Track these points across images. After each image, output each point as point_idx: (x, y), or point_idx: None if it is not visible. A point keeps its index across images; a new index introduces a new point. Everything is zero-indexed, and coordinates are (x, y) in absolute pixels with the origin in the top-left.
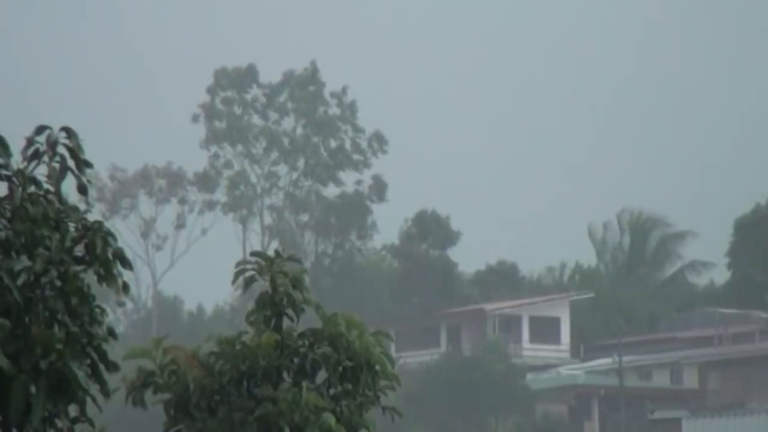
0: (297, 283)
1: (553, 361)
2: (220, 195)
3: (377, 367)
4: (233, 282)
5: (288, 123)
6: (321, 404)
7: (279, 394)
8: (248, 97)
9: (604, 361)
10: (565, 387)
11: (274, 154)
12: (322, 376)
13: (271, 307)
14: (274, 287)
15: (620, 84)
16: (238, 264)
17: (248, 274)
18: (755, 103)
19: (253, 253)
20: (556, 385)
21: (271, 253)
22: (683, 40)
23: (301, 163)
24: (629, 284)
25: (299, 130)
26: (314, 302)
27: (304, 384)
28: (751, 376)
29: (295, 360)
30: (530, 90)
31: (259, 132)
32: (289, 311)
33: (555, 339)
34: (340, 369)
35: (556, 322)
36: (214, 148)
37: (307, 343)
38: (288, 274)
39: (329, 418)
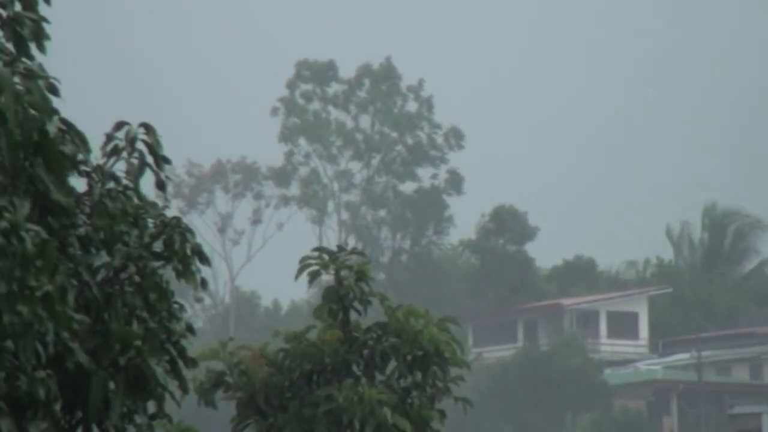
0: (362, 275)
1: (631, 356)
2: (296, 190)
3: (446, 355)
4: (297, 277)
5: (365, 119)
6: (383, 399)
7: (342, 391)
8: (330, 91)
9: (682, 357)
10: (643, 382)
11: (350, 152)
12: (392, 366)
13: (337, 300)
14: (339, 281)
15: (697, 81)
16: (302, 259)
17: (312, 268)
18: None
19: (317, 249)
20: (634, 380)
21: (337, 247)
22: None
23: (376, 160)
24: (708, 279)
25: (377, 127)
26: (379, 294)
27: (363, 380)
28: None
29: (364, 352)
30: (610, 86)
31: (335, 129)
32: (356, 304)
33: (633, 334)
34: (409, 359)
35: (634, 317)
36: (290, 144)
37: (374, 335)
38: (353, 268)
39: (387, 413)
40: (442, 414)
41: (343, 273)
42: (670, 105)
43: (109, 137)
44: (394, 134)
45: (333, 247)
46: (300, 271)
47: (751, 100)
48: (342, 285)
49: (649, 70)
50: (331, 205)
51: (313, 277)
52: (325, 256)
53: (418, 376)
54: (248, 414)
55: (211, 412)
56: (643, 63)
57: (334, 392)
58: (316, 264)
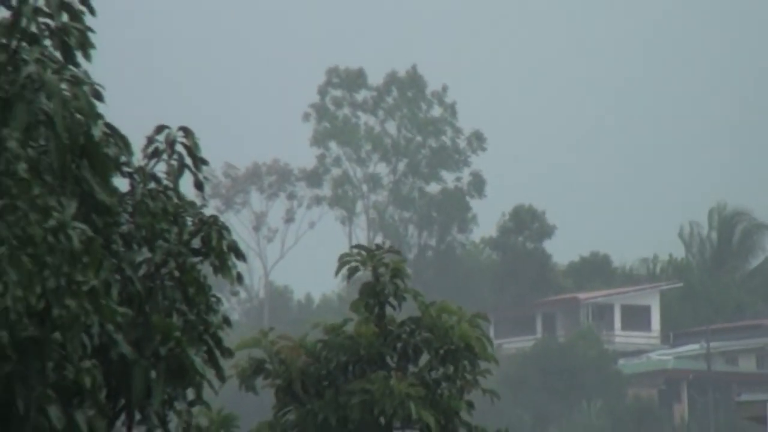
0: (397, 273)
1: (644, 347)
2: (327, 191)
3: (476, 350)
4: (337, 272)
5: (392, 124)
6: (412, 393)
7: (374, 383)
8: (359, 97)
9: (692, 347)
10: (655, 372)
11: (378, 155)
12: (424, 359)
13: (374, 295)
14: (376, 277)
15: (711, 83)
16: (342, 256)
17: (351, 265)
18: None
19: (356, 246)
20: (646, 370)
21: (373, 245)
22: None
23: (403, 163)
24: (716, 275)
25: (403, 131)
26: (413, 291)
27: (395, 373)
28: None
29: (398, 345)
30: (623, 89)
31: (364, 134)
32: (391, 299)
33: (645, 326)
34: (441, 353)
35: (646, 310)
36: (322, 147)
37: (408, 329)
38: (389, 265)
39: (412, 407)
40: (470, 405)
41: (380, 270)
42: (682, 110)
43: (150, 140)
44: (420, 138)
45: (362, 245)
46: (340, 267)
47: (763, 101)
48: (378, 281)
49: (661, 73)
50: (360, 205)
51: (352, 272)
52: (364, 254)
53: (449, 369)
54: (287, 400)
55: (249, 398)
56: (658, 65)
57: (367, 384)
58: (355, 261)
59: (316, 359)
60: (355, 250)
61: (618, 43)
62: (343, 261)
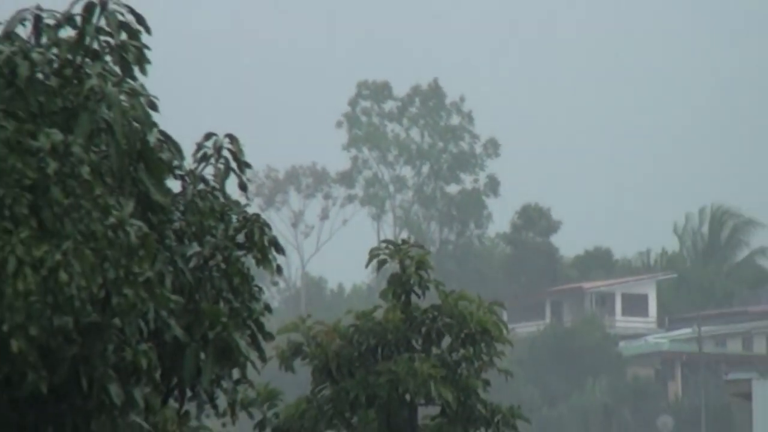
0: (421, 265)
1: (642, 331)
2: (358, 191)
3: (492, 333)
4: (367, 264)
5: (416, 131)
6: (433, 373)
7: (399, 365)
8: (385, 108)
9: (685, 331)
10: (651, 353)
11: (404, 159)
12: (446, 342)
13: (400, 285)
14: (402, 269)
15: (709, 91)
16: (372, 250)
17: (380, 257)
18: None
19: (385, 241)
20: (644, 351)
21: (399, 240)
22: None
23: (426, 166)
24: (707, 266)
25: (425, 138)
26: (435, 281)
27: (419, 355)
28: None
29: (422, 330)
30: (622, 97)
31: (392, 140)
32: (416, 289)
33: (643, 312)
34: (461, 336)
35: (644, 298)
36: (353, 151)
37: (431, 316)
38: (414, 258)
39: (433, 386)
40: (487, 383)
41: (406, 262)
42: (675, 119)
43: (200, 146)
44: (441, 144)
45: (390, 240)
46: (370, 259)
47: (754, 106)
48: (405, 272)
49: (660, 76)
50: (387, 204)
51: (381, 264)
52: (391, 248)
53: (468, 351)
54: (322, 379)
55: (288, 378)
56: (654, 67)
57: (393, 366)
58: (384, 254)
59: (348, 342)
60: (384, 245)
61: (616, 46)
62: (373, 254)
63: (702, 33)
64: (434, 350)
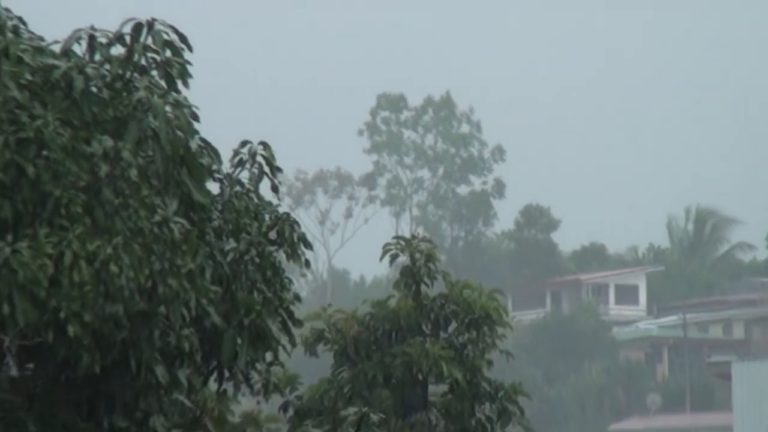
0: (430, 257)
1: (633, 318)
2: (379, 192)
3: (494, 317)
4: (381, 258)
5: (430, 138)
6: (443, 354)
7: (413, 347)
8: (402, 117)
9: (672, 318)
10: (642, 338)
11: (420, 163)
12: (453, 326)
13: (411, 276)
14: (412, 261)
15: (694, 91)
16: (385, 245)
17: (392, 252)
18: None
19: (396, 237)
20: (635, 337)
21: (410, 236)
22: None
23: (440, 170)
24: (691, 260)
25: (439, 144)
26: (443, 272)
27: (430, 339)
28: None
29: (431, 316)
30: (620, 107)
31: (411, 146)
32: (425, 279)
33: (634, 302)
34: (467, 321)
35: (635, 289)
36: (375, 156)
37: (439, 303)
38: (423, 252)
39: (443, 365)
40: (490, 363)
41: (416, 256)
42: (664, 123)
43: (236, 152)
44: (452, 150)
45: (401, 236)
46: (384, 253)
47: (741, 111)
48: (415, 265)
49: (656, 80)
50: (406, 204)
51: (393, 258)
52: (402, 243)
53: (473, 334)
54: (342, 362)
55: (313, 360)
56: (653, 75)
57: (407, 348)
58: (396, 248)
59: (365, 328)
60: (395, 240)
61: (612, 50)
62: (385, 249)
63: (702, 32)
64: (442, 334)
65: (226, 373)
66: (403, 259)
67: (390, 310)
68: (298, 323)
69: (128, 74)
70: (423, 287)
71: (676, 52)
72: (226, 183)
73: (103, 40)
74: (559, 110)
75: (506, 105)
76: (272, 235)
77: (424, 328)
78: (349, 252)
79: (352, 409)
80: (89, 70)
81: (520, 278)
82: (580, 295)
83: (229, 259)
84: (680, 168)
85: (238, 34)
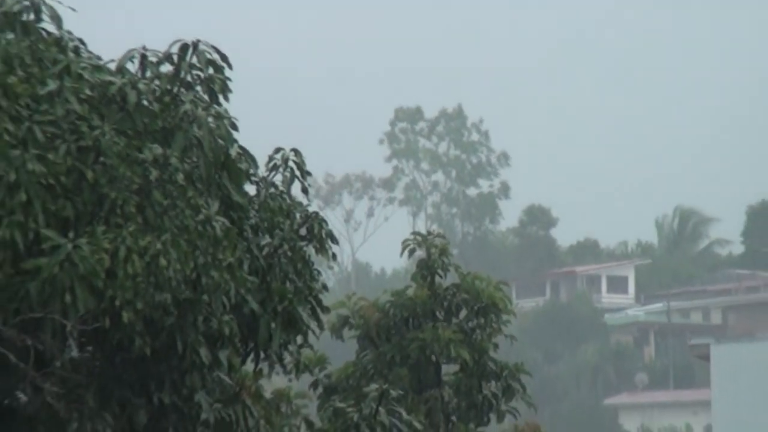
0: (443, 252)
1: (623, 305)
2: (398, 194)
3: (500, 306)
4: (402, 252)
5: (443, 145)
6: (453, 338)
7: (426, 332)
8: (417, 127)
9: (657, 306)
10: (630, 324)
11: (435, 168)
12: (463, 313)
13: (426, 268)
14: (428, 255)
15: (680, 98)
16: (404, 240)
17: (410, 246)
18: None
19: (413, 233)
20: (624, 322)
21: (426, 232)
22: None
23: (452, 174)
24: (675, 254)
25: (451, 151)
26: (455, 265)
27: (442, 324)
28: (757, 315)
29: (444, 304)
30: (616, 117)
31: (424, 153)
32: (439, 271)
33: (624, 291)
34: (476, 308)
35: (624, 279)
36: (394, 162)
37: (451, 292)
38: (437, 246)
39: (452, 348)
40: (496, 345)
41: (431, 250)
42: (653, 130)
43: (271, 158)
44: (463, 156)
45: (418, 232)
46: (403, 248)
47: (721, 123)
48: (430, 258)
49: (642, 100)
50: (421, 204)
51: (411, 252)
52: (419, 238)
53: (481, 320)
54: (365, 344)
55: (339, 344)
56: (641, 90)
57: (423, 333)
58: (413, 243)
59: (386, 315)
60: (413, 236)
61: (609, 55)
62: (404, 244)
63: (697, 34)
64: (454, 320)
65: (262, 354)
66: (420, 253)
67: (407, 298)
68: (326, 310)
69: (175, 89)
70: (437, 278)
71: (663, 65)
72: (262, 185)
73: (154, 59)
74: (558, 121)
75: (511, 117)
76: (303, 231)
77: (437, 314)
78: (371, 247)
79: (373, 386)
80: (141, 86)
81: (523, 270)
82: (575, 285)
83: (264, 253)
84: (665, 174)
85: (283, 51)
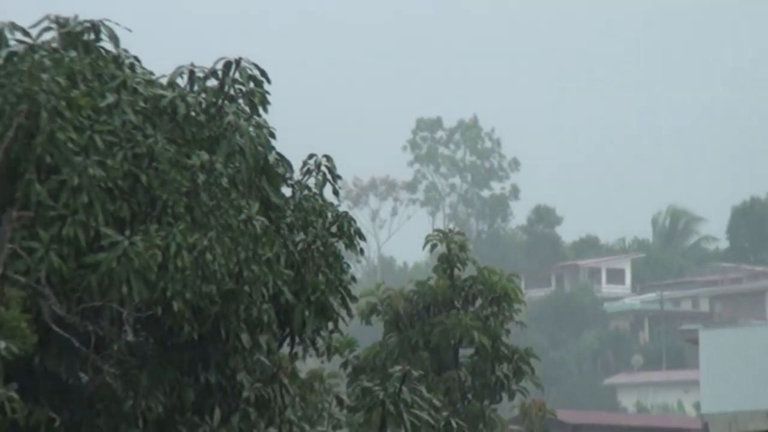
0: (462, 247)
1: (620, 295)
2: (419, 195)
3: (512, 296)
4: (424, 247)
5: (460, 152)
6: (472, 325)
7: (449, 318)
8: (437, 136)
9: (651, 295)
10: (627, 311)
11: (453, 172)
12: (479, 302)
13: (447, 262)
14: (448, 250)
15: (677, 100)
16: (427, 236)
17: (432, 242)
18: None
19: (435, 230)
20: (622, 310)
21: (447, 230)
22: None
23: (468, 177)
24: (667, 249)
25: (467, 156)
26: (472, 259)
27: (461, 311)
28: (740, 304)
29: (463, 294)
30: (615, 121)
31: (443, 159)
32: (458, 264)
33: (621, 282)
34: (490, 298)
35: (622, 272)
36: (416, 167)
37: (469, 284)
38: (457, 242)
39: (474, 333)
40: (508, 331)
41: (451, 245)
42: (647, 134)
43: (305, 163)
44: (478, 161)
45: (440, 229)
46: (426, 243)
47: (713, 120)
48: (450, 253)
49: (635, 93)
50: (440, 205)
51: (433, 247)
52: (440, 235)
53: (495, 308)
54: (392, 330)
55: (367, 329)
56: (643, 86)
57: (444, 319)
58: (435, 239)
59: (410, 303)
60: (435, 233)
61: (606, 61)
62: (427, 239)
63: (696, 34)
64: (471, 308)
65: (297, 339)
66: (441, 248)
67: (429, 288)
68: (354, 299)
69: (220, 102)
70: (456, 270)
71: (660, 74)
72: (297, 188)
73: (201, 75)
74: (563, 130)
75: (521, 126)
76: (334, 229)
77: (456, 303)
78: (395, 243)
79: (398, 367)
80: (189, 99)
81: (531, 263)
82: (578, 277)
83: (299, 248)
84: (659, 178)
85: (322, 72)
